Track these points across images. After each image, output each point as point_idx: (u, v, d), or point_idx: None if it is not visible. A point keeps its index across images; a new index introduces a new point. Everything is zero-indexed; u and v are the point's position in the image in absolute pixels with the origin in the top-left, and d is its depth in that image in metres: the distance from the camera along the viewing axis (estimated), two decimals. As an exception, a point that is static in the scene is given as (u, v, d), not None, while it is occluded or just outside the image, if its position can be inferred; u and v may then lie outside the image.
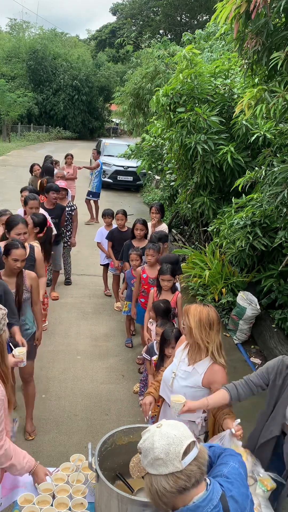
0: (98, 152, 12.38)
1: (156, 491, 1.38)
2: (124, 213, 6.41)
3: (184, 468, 1.36)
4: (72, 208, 6.95)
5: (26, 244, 4.01)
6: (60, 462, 2.67)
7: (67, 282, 7.29)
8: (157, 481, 1.38)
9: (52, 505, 2.21)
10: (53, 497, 2.26)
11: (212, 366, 2.63)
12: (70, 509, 2.20)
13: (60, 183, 6.80)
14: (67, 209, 6.74)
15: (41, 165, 9.06)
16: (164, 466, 1.36)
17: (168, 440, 1.38)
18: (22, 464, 2.22)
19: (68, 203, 6.90)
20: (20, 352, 2.83)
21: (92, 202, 11.07)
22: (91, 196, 11.02)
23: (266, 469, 2.47)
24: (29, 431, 3.83)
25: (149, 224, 6.05)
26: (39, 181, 7.62)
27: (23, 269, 3.52)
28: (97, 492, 2.16)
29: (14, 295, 3.35)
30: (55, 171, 8.03)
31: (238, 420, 2.42)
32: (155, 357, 3.82)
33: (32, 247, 4.14)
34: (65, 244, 7.00)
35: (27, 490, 2.30)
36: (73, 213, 6.94)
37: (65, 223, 6.83)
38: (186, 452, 1.37)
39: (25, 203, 5.26)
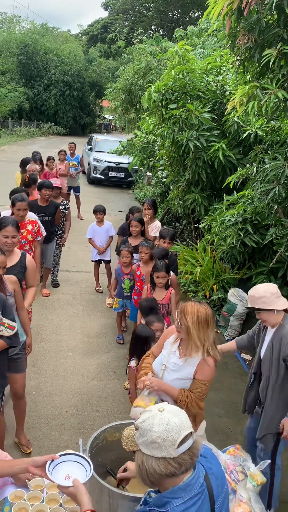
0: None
1: (146, 470, 1.43)
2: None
3: (177, 456, 1.40)
4: (66, 206, 6.84)
5: (17, 251, 3.84)
6: (51, 458, 2.67)
7: (55, 284, 7.02)
8: (148, 461, 1.42)
9: (43, 501, 2.21)
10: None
11: (204, 360, 2.63)
12: (61, 504, 2.20)
13: (55, 182, 6.60)
14: (60, 207, 6.57)
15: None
16: (158, 450, 1.40)
17: (168, 427, 1.41)
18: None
19: (61, 201, 6.75)
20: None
21: (74, 196, 11.00)
22: (73, 191, 10.89)
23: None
24: (25, 445, 3.69)
25: None
26: (22, 176, 7.40)
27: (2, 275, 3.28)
28: (88, 488, 2.17)
29: None
30: (28, 165, 7.60)
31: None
32: (133, 362, 3.81)
33: (24, 254, 3.87)
34: (56, 244, 6.80)
35: (18, 487, 2.29)
36: (66, 211, 6.83)
37: (59, 221, 6.68)
38: (182, 442, 1.40)
39: (12, 204, 4.87)
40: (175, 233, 5.83)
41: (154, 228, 6.07)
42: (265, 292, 2.88)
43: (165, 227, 5.77)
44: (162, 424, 1.42)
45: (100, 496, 2.04)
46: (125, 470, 2.20)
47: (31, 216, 5.20)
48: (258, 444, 3.09)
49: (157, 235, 5.62)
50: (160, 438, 1.40)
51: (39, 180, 6.78)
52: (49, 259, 6.61)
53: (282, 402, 2.95)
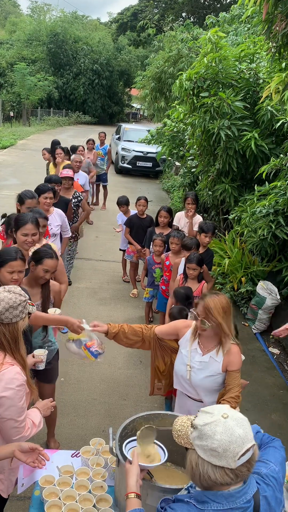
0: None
1: (200, 474, 1.37)
2: (146, 200, 6.31)
3: (235, 467, 1.33)
4: (79, 198, 6.20)
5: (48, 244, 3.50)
6: (79, 444, 2.71)
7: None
8: (204, 466, 1.36)
9: (72, 487, 2.23)
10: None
11: (230, 350, 2.59)
12: (90, 491, 2.22)
13: (68, 172, 6.09)
14: (73, 200, 6.00)
15: (49, 151, 8.90)
16: (217, 459, 1.33)
17: (231, 438, 1.33)
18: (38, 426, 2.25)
19: (74, 194, 6.13)
20: (39, 353, 2.77)
21: (101, 186, 10.95)
22: (100, 180, 10.75)
23: None
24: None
25: (181, 214, 5.92)
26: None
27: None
28: (117, 476, 2.18)
29: (39, 307, 3.08)
30: (72, 156, 7.57)
31: None
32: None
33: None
34: (71, 238, 5.96)
35: (48, 471, 2.33)
36: (80, 203, 6.21)
37: (72, 215, 6.02)
38: (243, 454, 1.33)
39: (20, 201, 4.22)
40: (215, 227, 5.69)
41: (197, 222, 5.97)
42: None
43: (206, 220, 5.62)
44: (226, 433, 1.33)
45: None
46: None
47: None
48: None
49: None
50: (222, 448, 1.32)
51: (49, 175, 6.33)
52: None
53: None
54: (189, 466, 1.41)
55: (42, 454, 2.05)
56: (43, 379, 3.31)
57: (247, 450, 1.33)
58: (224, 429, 1.34)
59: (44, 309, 3.11)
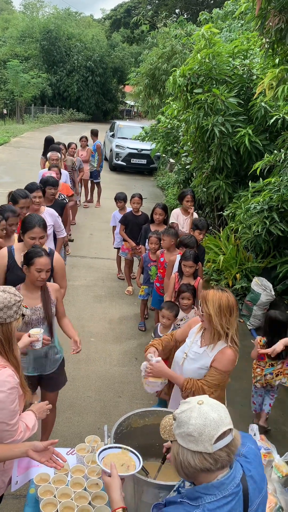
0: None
1: (181, 462, 1.40)
2: (140, 197, 6.29)
3: (213, 451, 1.36)
4: (64, 201, 5.83)
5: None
6: (75, 442, 2.70)
7: None
8: (184, 453, 1.39)
9: (67, 485, 2.23)
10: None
11: (224, 349, 2.60)
12: (85, 489, 2.21)
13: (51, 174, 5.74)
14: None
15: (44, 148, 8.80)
16: (194, 443, 1.37)
17: (205, 421, 1.37)
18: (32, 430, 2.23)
19: (57, 196, 5.69)
20: (35, 332, 2.76)
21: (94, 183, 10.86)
22: (91, 177, 10.59)
23: None
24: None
25: (178, 211, 5.89)
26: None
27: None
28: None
29: (41, 310, 2.97)
30: (48, 154, 6.99)
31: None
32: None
33: (51, 252, 3.41)
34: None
35: (43, 469, 2.32)
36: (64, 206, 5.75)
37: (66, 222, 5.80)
38: (220, 438, 1.36)
39: (14, 201, 4.09)
40: (209, 224, 5.70)
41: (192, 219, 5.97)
42: None
43: (200, 217, 5.62)
44: (200, 417, 1.38)
45: (125, 482, 2.04)
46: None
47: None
48: None
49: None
50: (197, 432, 1.36)
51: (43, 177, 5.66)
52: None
53: None
54: (173, 457, 1.45)
55: (56, 454, 2.06)
56: (46, 387, 3.20)
57: (224, 434, 1.36)
58: (199, 414, 1.38)
59: (47, 311, 2.99)
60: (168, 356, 3.03)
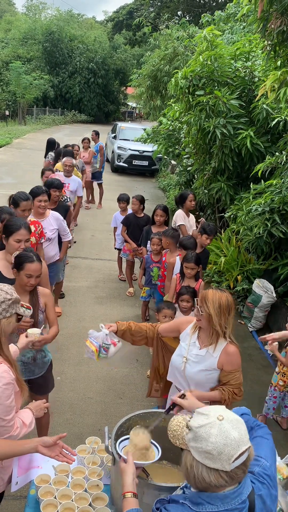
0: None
1: (194, 475, 1.35)
2: (140, 200, 6.28)
3: (230, 470, 1.32)
4: (67, 203, 5.87)
5: None
6: (75, 443, 2.69)
7: (61, 295, 6.12)
8: (198, 468, 1.34)
9: (68, 486, 2.23)
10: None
11: (227, 347, 2.60)
12: (86, 490, 2.21)
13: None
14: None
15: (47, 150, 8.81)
16: (212, 461, 1.31)
17: (226, 440, 1.31)
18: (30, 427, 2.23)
19: (62, 197, 5.73)
20: (33, 332, 2.74)
21: (96, 184, 10.87)
22: (94, 178, 10.63)
23: None
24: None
25: (182, 213, 5.86)
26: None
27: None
28: (113, 475, 2.18)
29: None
30: (64, 159, 7.01)
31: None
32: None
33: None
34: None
35: (44, 470, 2.32)
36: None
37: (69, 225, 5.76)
38: (238, 456, 1.31)
39: (15, 204, 4.03)
40: (217, 230, 5.68)
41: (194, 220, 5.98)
42: None
43: (209, 222, 5.59)
44: (220, 436, 1.31)
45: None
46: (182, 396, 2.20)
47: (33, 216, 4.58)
48: None
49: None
50: (216, 451, 1.30)
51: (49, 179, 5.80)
52: (61, 271, 5.76)
53: None
54: (184, 467, 1.40)
55: (66, 448, 2.04)
56: (36, 391, 3.13)
57: (242, 453, 1.31)
58: (219, 432, 1.32)
59: (35, 317, 2.95)
60: (146, 343, 2.99)
